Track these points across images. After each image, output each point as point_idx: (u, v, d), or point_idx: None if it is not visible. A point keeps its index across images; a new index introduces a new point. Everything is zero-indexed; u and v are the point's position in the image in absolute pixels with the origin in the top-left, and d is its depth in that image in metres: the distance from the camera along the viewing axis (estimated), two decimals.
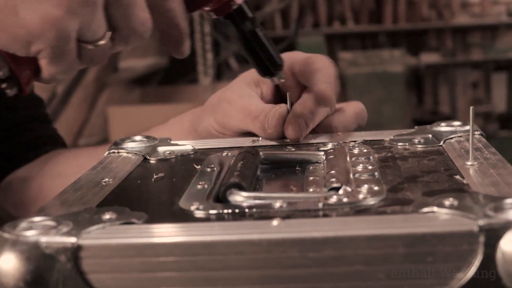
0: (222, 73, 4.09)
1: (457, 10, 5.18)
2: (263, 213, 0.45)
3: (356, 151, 0.58)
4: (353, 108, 0.72)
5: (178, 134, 0.73)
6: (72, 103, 2.88)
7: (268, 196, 0.48)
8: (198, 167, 0.58)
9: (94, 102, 3.05)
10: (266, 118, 0.66)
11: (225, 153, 0.61)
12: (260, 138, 0.67)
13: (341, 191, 0.47)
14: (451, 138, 0.61)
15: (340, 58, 4.51)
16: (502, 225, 0.39)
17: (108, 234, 0.42)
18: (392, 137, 0.63)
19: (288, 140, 0.66)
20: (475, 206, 0.42)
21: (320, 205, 0.46)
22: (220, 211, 0.46)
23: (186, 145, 0.65)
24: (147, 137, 0.66)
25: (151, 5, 0.54)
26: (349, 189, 0.48)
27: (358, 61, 4.40)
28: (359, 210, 0.45)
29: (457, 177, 0.50)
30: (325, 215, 0.45)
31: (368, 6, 5.16)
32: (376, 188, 0.48)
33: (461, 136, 0.61)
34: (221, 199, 0.48)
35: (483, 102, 5.01)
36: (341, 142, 0.63)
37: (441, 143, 0.61)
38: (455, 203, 0.42)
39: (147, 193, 0.54)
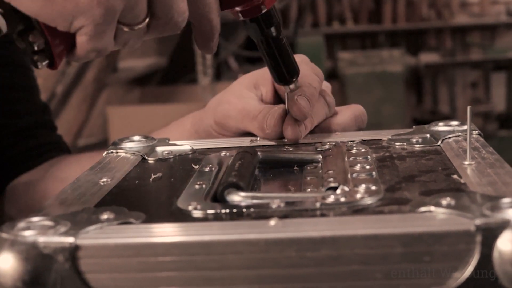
0: (222, 73, 4.08)
1: (456, 10, 5.18)
2: (261, 213, 0.45)
3: (354, 150, 0.59)
4: (353, 111, 0.72)
5: (180, 136, 0.74)
6: (72, 103, 2.88)
7: (266, 196, 0.48)
8: (196, 167, 0.58)
9: (93, 102, 3.05)
10: (265, 119, 0.66)
11: (223, 153, 0.62)
12: (259, 138, 0.67)
13: (338, 191, 0.48)
14: (449, 137, 0.61)
15: (339, 58, 4.51)
16: (499, 225, 0.40)
17: (106, 234, 0.43)
18: (390, 137, 0.63)
19: (286, 140, 0.66)
20: (472, 206, 0.42)
21: (318, 204, 0.46)
22: (218, 211, 0.46)
23: (184, 145, 0.65)
24: (146, 137, 0.66)
25: None
26: (346, 188, 0.48)
27: (358, 61, 4.40)
28: (356, 209, 0.45)
29: (455, 176, 0.50)
30: (322, 215, 0.45)
31: (367, 6, 5.15)
32: (373, 187, 0.48)
33: (459, 136, 0.61)
34: (219, 199, 0.48)
35: (483, 102, 5.01)
36: (339, 141, 0.63)
37: (439, 142, 0.61)
38: (452, 202, 0.43)
39: (145, 193, 0.54)
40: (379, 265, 0.40)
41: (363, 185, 0.48)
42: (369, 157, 0.56)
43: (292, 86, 0.66)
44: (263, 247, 0.41)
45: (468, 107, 0.54)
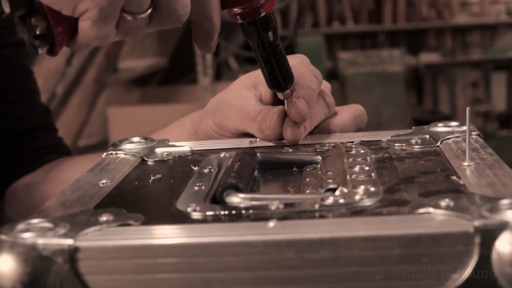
0: (222, 74, 4.08)
1: (456, 9, 5.18)
2: (260, 215, 0.45)
3: (353, 152, 0.59)
4: (353, 111, 0.72)
5: (180, 136, 0.74)
6: (72, 103, 2.88)
7: (265, 197, 0.48)
8: (196, 168, 0.58)
9: (93, 103, 3.05)
10: (264, 120, 0.66)
11: (223, 154, 0.62)
12: (258, 140, 0.67)
13: (337, 192, 0.48)
14: (448, 138, 0.61)
15: (339, 58, 4.51)
16: (498, 226, 0.40)
17: (105, 236, 0.43)
18: (389, 138, 0.63)
19: (285, 141, 0.66)
20: (471, 207, 0.42)
21: (317, 206, 0.46)
22: (217, 213, 0.46)
23: (183, 147, 0.65)
24: (145, 138, 0.66)
25: None
26: (345, 190, 0.48)
27: (358, 61, 4.40)
28: (355, 211, 0.45)
29: (454, 177, 0.50)
30: (321, 216, 0.45)
31: (367, 6, 5.15)
32: (372, 189, 0.48)
33: (458, 137, 0.61)
34: (218, 200, 0.48)
35: (483, 102, 5.01)
36: (339, 143, 0.63)
37: (438, 143, 0.61)
38: (451, 204, 0.43)
39: (145, 194, 0.54)
40: (378, 266, 0.40)
41: (362, 187, 0.48)
42: (368, 158, 0.56)
43: (286, 92, 0.66)
44: (262, 248, 0.41)
45: (467, 108, 0.54)
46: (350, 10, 5.16)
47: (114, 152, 0.63)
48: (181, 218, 0.46)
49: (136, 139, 0.66)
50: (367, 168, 0.53)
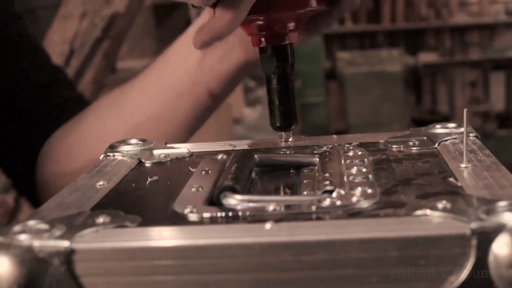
0: None
1: (455, 9, 5.19)
2: (257, 216, 0.45)
3: (350, 153, 0.59)
4: None
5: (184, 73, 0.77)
6: None
7: (262, 199, 0.48)
8: (193, 170, 0.58)
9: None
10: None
11: (220, 156, 0.62)
12: (251, 141, 0.67)
13: (334, 194, 0.48)
14: (446, 140, 0.61)
15: (338, 58, 4.52)
16: (495, 228, 0.39)
17: (101, 238, 0.42)
18: (387, 139, 0.63)
19: (282, 140, 0.66)
20: (468, 209, 0.42)
21: (314, 208, 0.46)
22: (214, 215, 0.46)
23: (181, 148, 0.65)
24: (142, 140, 0.66)
25: None
26: (342, 192, 0.48)
27: (356, 60, 4.41)
28: (352, 213, 0.45)
29: (451, 179, 0.50)
30: (318, 218, 0.45)
31: (366, 5, 5.16)
32: (369, 191, 0.48)
33: (456, 138, 0.61)
34: (215, 202, 0.48)
35: (482, 101, 5.02)
36: (336, 144, 0.63)
37: (436, 145, 0.61)
38: (448, 206, 0.43)
39: (142, 196, 0.54)
40: (375, 268, 0.40)
41: (359, 188, 0.48)
42: (365, 160, 0.56)
43: (286, 134, 0.65)
44: (259, 250, 0.41)
45: (465, 110, 0.54)
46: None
47: (111, 154, 0.63)
48: (178, 220, 0.46)
49: (133, 141, 0.65)
50: (364, 170, 0.53)
